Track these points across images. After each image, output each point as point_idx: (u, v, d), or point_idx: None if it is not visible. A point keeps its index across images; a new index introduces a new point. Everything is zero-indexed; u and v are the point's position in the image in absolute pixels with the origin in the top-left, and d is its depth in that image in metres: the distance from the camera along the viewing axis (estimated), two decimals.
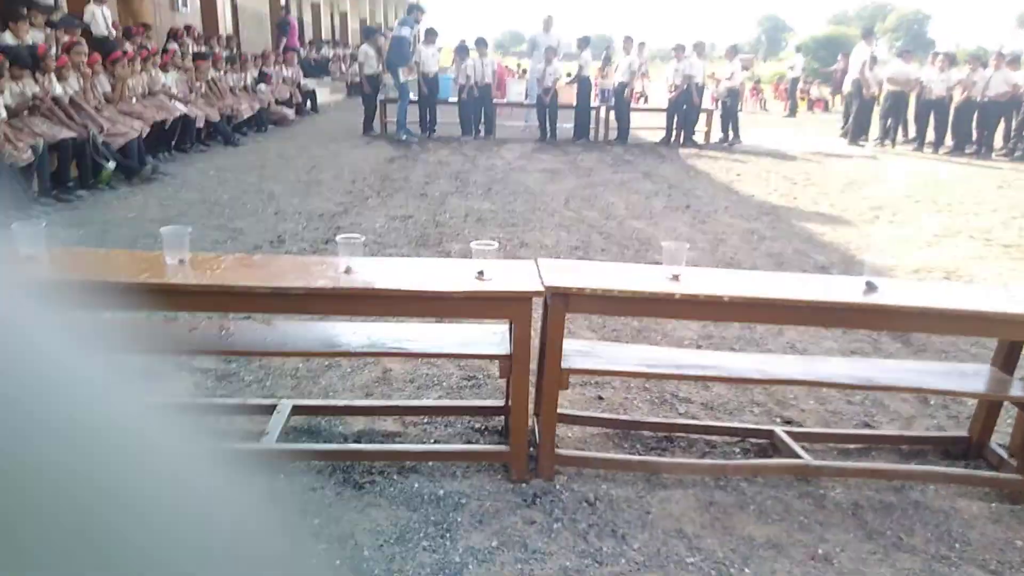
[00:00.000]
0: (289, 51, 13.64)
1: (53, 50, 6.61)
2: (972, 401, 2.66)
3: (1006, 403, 2.51)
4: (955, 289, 3.11)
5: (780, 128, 15.20)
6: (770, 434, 2.59)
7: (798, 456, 2.41)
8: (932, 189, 8.18)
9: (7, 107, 5.71)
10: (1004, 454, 2.44)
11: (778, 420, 2.79)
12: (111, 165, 6.29)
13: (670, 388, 2.99)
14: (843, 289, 2.33)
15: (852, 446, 2.62)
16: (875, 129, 12.56)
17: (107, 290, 2.11)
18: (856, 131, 13.41)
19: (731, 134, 11.80)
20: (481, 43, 11.15)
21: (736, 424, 2.72)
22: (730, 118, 11.85)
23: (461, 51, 11.02)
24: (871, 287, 2.30)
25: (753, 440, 2.62)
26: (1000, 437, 2.58)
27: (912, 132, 12.54)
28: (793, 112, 19.31)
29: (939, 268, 4.99)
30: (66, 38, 7.45)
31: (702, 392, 2.99)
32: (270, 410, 2.54)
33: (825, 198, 7.43)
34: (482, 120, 11.12)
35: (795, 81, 19.23)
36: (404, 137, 10.19)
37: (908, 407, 2.94)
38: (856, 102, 13.36)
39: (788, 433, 2.57)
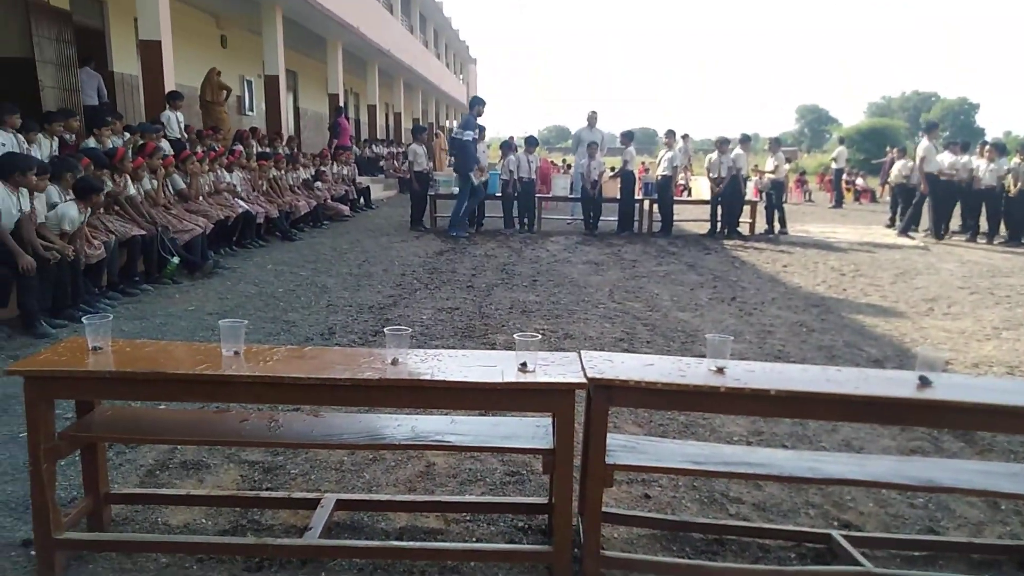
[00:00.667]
0: (342, 150, 14.32)
1: (129, 153, 7.07)
2: None
3: None
4: (1015, 384, 2.98)
5: (826, 219, 15.14)
6: (827, 538, 2.47)
7: (859, 563, 2.29)
8: (988, 280, 7.97)
9: None
10: None
11: (836, 523, 2.66)
12: (176, 260, 6.60)
13: (720, 487, 2.90)
14: (895, 384, 2.27)
15: (917, 553, 2.48)
16: (925, 220, 12.41)
17: (167, 381, 2.19)
18: (906, 222, 13.29)
19: (776, 226, 11.81)
20: (531, 141, 11.58)
21: (791, 527, 2.61)
22: (775, 210, 11.88)
23: (506, 147, 11.44)
24: (925, 382, 2.24)
25: (809, 544, 2.50)
26: None
27: (963, 223, 12.36)
28: (839, 203, 19.20)
29: (1001, 362, 4.80)
30: (142, 141, 8.00)
31: (754, 492, 2.89)
32: (314, 504, 2.54)
33: (876, 289, 7.30)
34: (524, 214, 11.39)
35: (839, 172, 19.19)
36: (455, 234, 10.47)
37: (976, 512, 2.78)
38: (905, 193, 13.30)
39: (847, 538, 2.45)
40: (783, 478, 2.36)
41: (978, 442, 3.44)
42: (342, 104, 17.21)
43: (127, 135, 8.15)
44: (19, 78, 9.57)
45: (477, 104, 10.81)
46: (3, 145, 6.29)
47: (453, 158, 10.93)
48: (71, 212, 5.39)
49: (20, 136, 6.64)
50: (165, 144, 8.32)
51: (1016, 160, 11.66)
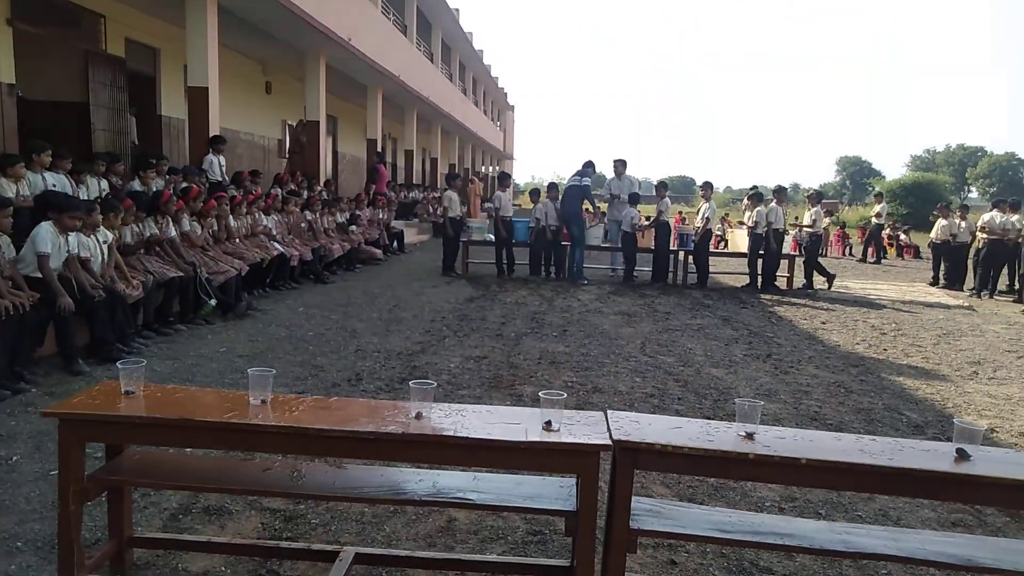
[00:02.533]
0: (379, 196, 14.60)
1: (174, 197, 7.29)
2: None
3: None
4: None
5: (867, 275, 14.89)
6: None
7: None
8: None
9: (126, 245, 6.28)
10: None
11: None
12: (212, 303, 6.72)
13: (749, 555, 2.81)
14: (932, 457, 2.19)
15: None
16: (970, 279, 12.14)
17: (194, 428, 2.22)
18: (950, 280, 13.02)
19: (814, 281, 11.65)
20: (552, 187, 11.68)
21: None
22: (813, 265, 11.73)
23: (535, 195, 11.55)
24: (963, 455, 2.16)
25: None
26: None
27: (1011, 283, 12.06)
28: (879, 259, 18.86)
29: None
30: (184, 184, 8.25)
31: (785, 561, 2.79)
32: (333, 556, 2.52)
33: (918, 350, 7.11)
34: (552, 261, 11.42)
35: (879, 228, 18.83)
36: (584, 282, 10.81)
37: None
38: (948, 252, 13.07)
39: None
40: (814, 550, 2.27)
41: None
42: (380, 150, 17.59)
43: (169, 176, 8.42)
44: (73, 120, 10.00)
45: (589, 166, 11.46)
46: (54, 186, 6.54)
47: (560, 203, 11.20)
48: (41, 233, 5.09)
49: (70, 177, 6.91)
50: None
51: None
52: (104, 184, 7.49)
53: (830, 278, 11.64)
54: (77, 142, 9.23)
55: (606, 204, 12.28)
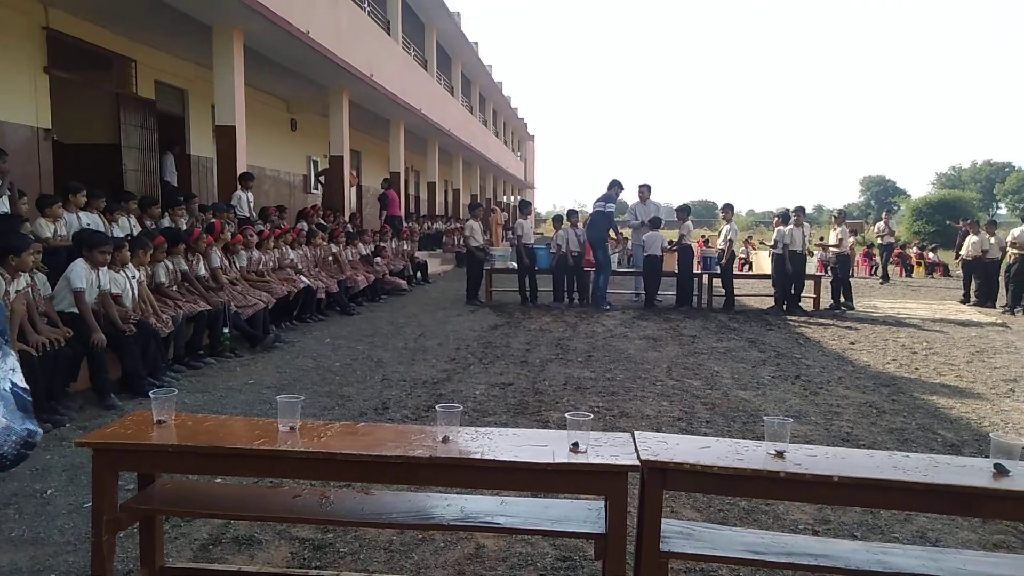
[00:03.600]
0: (392, 219, 14.79)
1: (204, 234, 7.44)
2: None
3: None
4: None
5: (895, 294, 14.67)
6: None
7: None
8: None
9: (159, 283, 6.41)
10: None
11: None
12: (226, 331, 6.78)
13: None
14: (968, 473, 2.15)
15: None
16: (1002, 296, 11.91)
17: (224, 456, 2.24)
18: (982, 297, 12.78)
19: (842, 300, 11.51)
20: (572, 214, 11.72)
21: None
22: (840, 284, 11.60)
23: (558, 222, 11.59)
24: (1002, 470, 2.11)
25: None
26: None
27: None
28: (885, 278, 18.29)
29: None
30: (213, 219, 8.42)
31: None
32: None
33: (951, 369, 6.97)
34: (575, 288, 11.41)
35: (889, 247, 18.26)
36: (607, 308, 10.78)
37: None
38: (979, 269, 12.84)
39: None
40: (850, 571, 2.22)
41: None
42: (390, 175, 17.80)
43: (200, 213, 8.60)
44: (106, 162, 10.28)
45: (615, 186, 11.35)
46: (88, 224, 6.71)
47: (586, 229, 11.28)
48: (76, 270, 5.25)
49: (103, 217, 7.09)
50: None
51: None
52: (135, 223, 7.67)
53: (849, 302, 11.51)
54: (109, 183, 9.48)
55: (630, 230, 12.29)
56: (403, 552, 2.92)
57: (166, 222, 7.91)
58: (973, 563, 2.27)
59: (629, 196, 12.27)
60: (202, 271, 7.17)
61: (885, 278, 18.15)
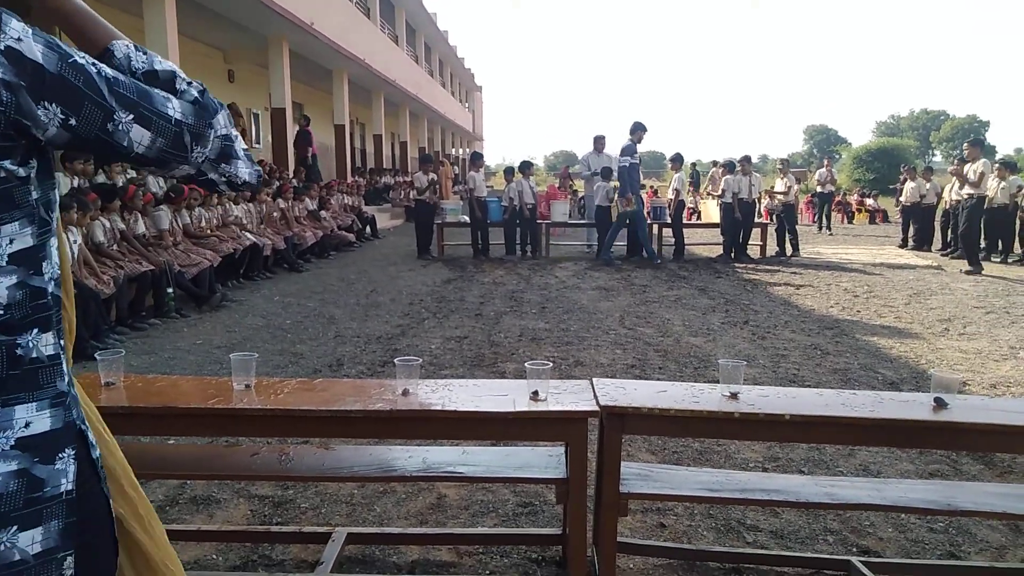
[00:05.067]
0: (307, 162, 13.86)
1: (140, 191, 7.15)
2: None
3: None
4: None
5: (838, 241, 15.09)
6: (846, 565, 2.43)
7: None
8: (1004, 299, 7.91)
9: (98, 243, 6.16)
10: None
11: (854, 550, 2.61)
12: (170, 291, 6.59)
13: (736, 515, 2.86)
14: (911, 407, 2.24)
15: None
16: (938, 239, 12.37)
17: (179, 416, 2.19)
18: (919, 242, 13.26)
19: (788, 248, 11.80)
20: (525, 166, 11.65)
21: (809, 554, 2.56)
22: (788, 232, 11.87)
23: (509, 174, 11.51)
24: (941, 403, 2.21)
25: (828, 572, 2.45)
26: None
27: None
28: (828, 228, 17.62)
29: (1018, 383, 4.74)
30: (151, 178, 8.10)
31: (771, 519, 2.84)
32: (325, 538, 2.52)
33: (890, 311, 7.25)
34: (528, 240, 11.41)
35: (830, 195, 17.33)
36: (605, 259, 10.50)
37: (998, 535, 2.72)
38: (917, 214, 13.29)
39: (866, 564, 2.40)
40: (800, 504, 2.32)
41: (997, 464, 3.38)
42: (335, 128, 17.30)
43: (133, 172, 8.23)
44: None
45: (638, 130, 10.50)
46: None
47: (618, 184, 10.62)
48: None
49: None
50: (151, 181, 8.35)
51: None
52: (65, 179, 7.32)
53: (796, 247, 11.81)
54: None
55: (582, 181, 12.27)
56: (365, 505, 2.93)
57: (101, 179, 7.57)
58: (912, 491, 2.39)
59: (586, 147, 12.12)
60: (141, 229, 6.92)
61: (828, 228, 17.39)
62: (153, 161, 1.02)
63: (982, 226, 11.88)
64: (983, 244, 11.98)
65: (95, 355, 2.40)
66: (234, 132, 1.09)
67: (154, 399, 2.26)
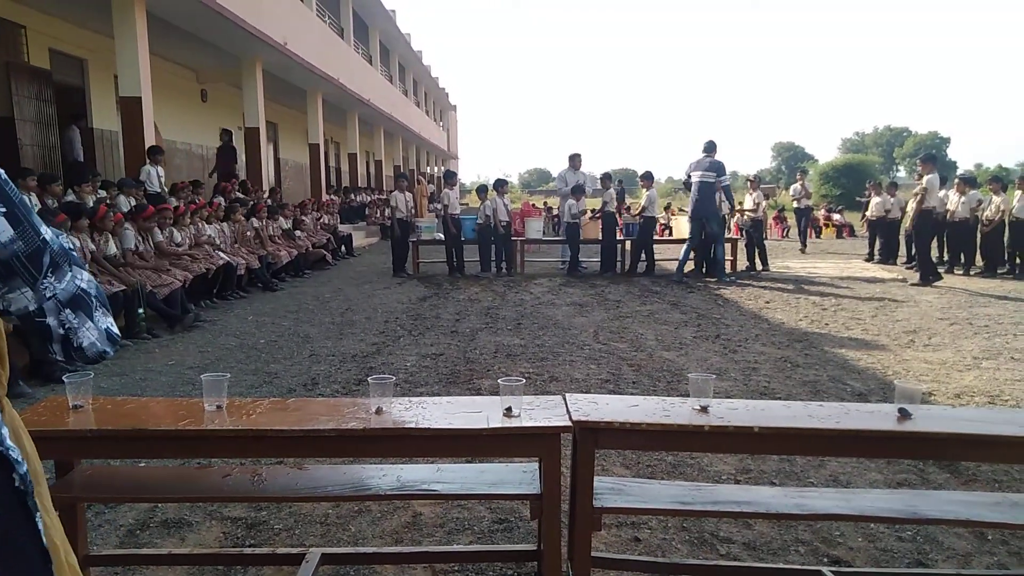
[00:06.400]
0: (229, 177, 13.13)
1: (111, 211, 7.07)
2: None
3: None
4: (993, 414, 3.02)
5: (806, 255, 15.33)
6: (818, 575, 2.46)
7: None
8: (967, 311, 8.09)
9: None
10: None
11: (825, 560, 2.66)
12: (141, 311, 6.52)
13: (709, 527, 2.89)
14: (876, 418, 2.30)
15: None
16: (903, 254, 12.62)
17: (149, 438, 2.17)
18: (884, 255, 13.52)
19: (758, 263, 11.97)
20: (499, 184, 11.73)
21: (781, 565, 2.59)
22: (755, 247, 12.05)
23: (482, 192, 11.58)
24: (905, 414, 2.27)
25: None
26: None
27: (940, 255, 12.59)
28: (803, 245, 16.74)
29: (981, 392, 4.85)
30: (120, 197, 8.02)
31: (743, 531, 2.88)
32: (299, 559, 2.50)
33: (858, 323, 7.38)
34: (503, 257, 11.45)
35: (806, 210, 16.74)
36: (732, 279, 10.56)
37: (964, 543, 2.78)
38: (882, 228, 13.56)
39: (836, 574, 2.44)
40: (770, 515, 2.36)
41: (963, 473, 3.46)
42: (310, 147, 17.28)
43: (103, 192, 8.14)
44: None
45: (711, 150, 10.61)
46: None
47: (695, 201, 10.56)
48: None
49: None
50: (122, 200, 8.27)
51: (989, 193, 11.97)
52: (35, 201, 7.22)
53: (765, 262, 11.98)
54: (4, 159, 8.88)
55: (557, 200, 12.36)
56: (340, 525, 2.91)
57: (71, 198, 7.47)
58: (880, 500, 2.44)
59: (561, 164, 12.26)
60: (112, 250, 6.84)
61: (803, 244, 16.30)
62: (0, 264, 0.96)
63: (944, 239, 12.18)
64: (946, 257, 12.29)
65: (63, 378, 2.37)
66: (105, 315, 1.02)
67: (124, 421, 2.24)
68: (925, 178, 10.35)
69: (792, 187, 16.47)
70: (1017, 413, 2.81)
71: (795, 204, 16.30)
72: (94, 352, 1.06)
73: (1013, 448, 2.19)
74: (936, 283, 10.22)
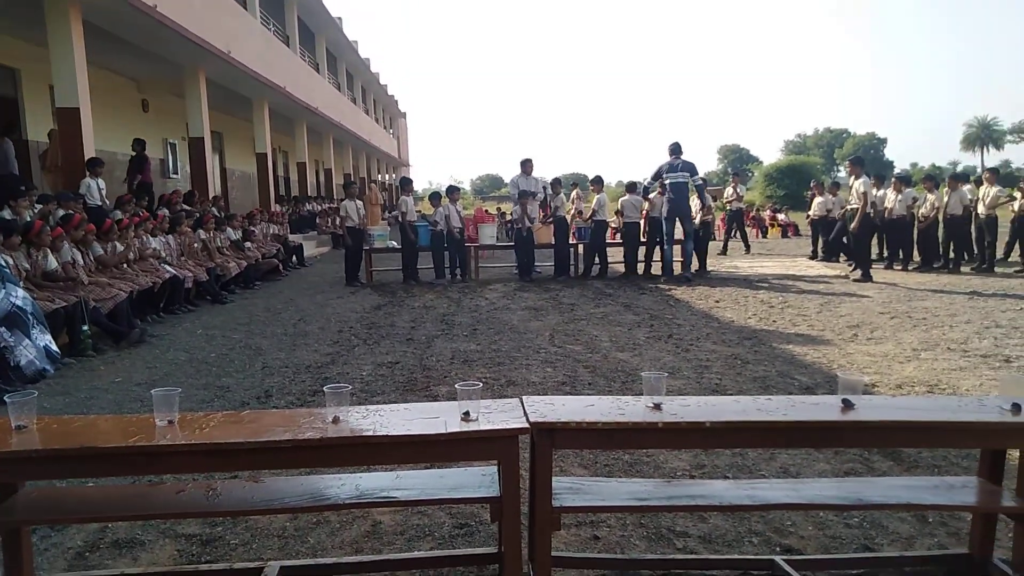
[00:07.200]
0: (145, 186, 11.98)
1: (48, 226, 6.85)
2: (970, 516, 2.64)
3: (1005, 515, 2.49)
4: (930, 402, 3.16)
5: (753, 255, 15.70)
6: (771, 564, 2.54)
7: None
8: (906, 305, 8.40)
9: None
10: (1008, 570, 2.40)
11: (778, 549, 2.73)
12: (85, 328, 6.33)
13: (666, 522, 2.95)
14: (821, 409, 2.38)
15: (855, 571, 2.57)
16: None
17: (98, 457, 2.12)
18: (828, 253, 13.95)
19: (708, 263, 12.21)
20: (451, 190, 11.74)
21: (735, 556, 2.66)
22: (702, 249, 12.28)
23: (435, 198, 11.57)
24: (848, 404, 2.36)
25: (754, 572, 2.56)
26: (1004, 551, 2.55)
27: (879, 252, 13.07)
28: (746, 246, 16.66)
29: (921, 382, 5.05)
30: (61, 212, 7.77)
31: (699, 524, 2.94)
32: (258, 573, 2.47)
33: (803, 319, 7.60)
34: (457, 264, 11.46)
35: (738, 212, 16.74)
36: (689, 277, 10.89)
37: (907, 527, 2.90)
38: (825, 226, 13.99)
39: (788, 562, 2.52)
40: (723, 507, 2.42)
41: (905, 460, 3.60)
42: (257, 156, 17.02)
43: (40, 206, 7.87)
44: None
45: (675, 152, 10.99)
46: None
47: (671, 201, 10.86)
48: None
49: None
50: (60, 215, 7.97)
51: (924, 191, 12.46)
52: None
53: (703, 267, 12.17)
54: None
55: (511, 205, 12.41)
56: (297, 537, 2.88)
57: (7, 215, 7.22)
58: (827, 489, 2.54)
59: (513, 170, 12.32)
60: (51, 265, 6.62)
61: (745, 246, 16.35)
62: None
63: (883, 236, 12.63)
64: (885, 254, 12.75)
65: (4, 398, 2.30)
66: (43, 332, 1.01)
67: (71, 440, 2.18)
68: (859, 181, 10.75)
69: (726, 190, 16.67)
70: (951, 400, 2.95)
71: (727, 206, 16.47)
72: (32, 370, 1.05)
73: (947, 433, 2.30)
74: (872, 280, 10.61)
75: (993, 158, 73.54)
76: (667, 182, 10.85)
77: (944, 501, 2.36)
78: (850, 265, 12.62)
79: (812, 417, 2.31)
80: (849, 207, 11.30)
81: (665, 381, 2.42)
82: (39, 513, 2.36)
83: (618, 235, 18.41)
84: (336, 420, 2.29)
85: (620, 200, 11.97)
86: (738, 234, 16.38)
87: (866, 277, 10.65)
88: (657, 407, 2.36)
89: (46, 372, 1.18)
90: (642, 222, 11.74)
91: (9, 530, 2.36)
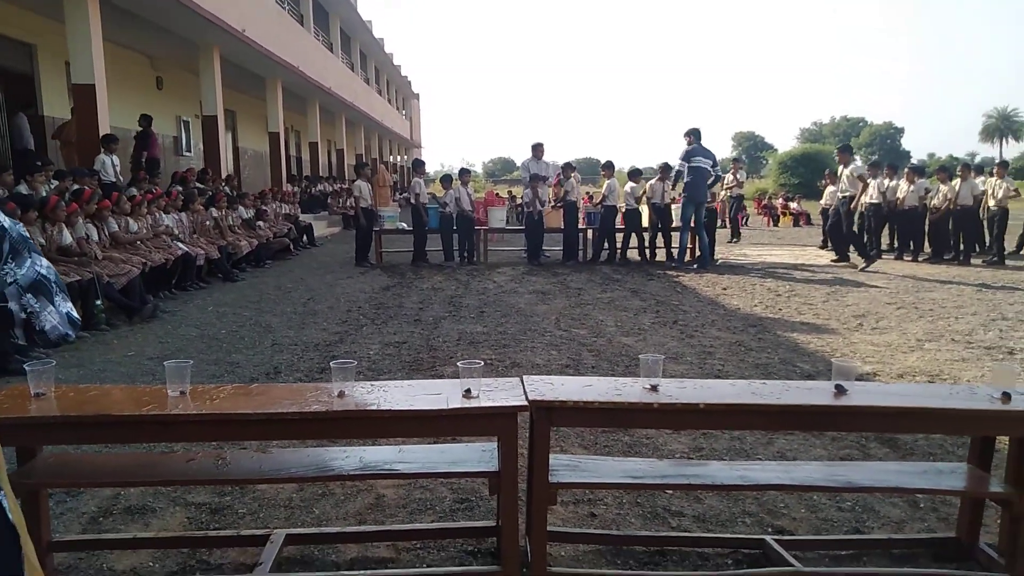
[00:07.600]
0: (153, 162, 11.72)
1: (63, 202, 6.95)
2: (959, 501, 2.70)
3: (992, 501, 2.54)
4: (922, 389, 3.20)
5: (763, 243, 15.66)
6: (762, 543, 2.60)
7: (789, 564, 2.43)
8: (914, 296, 8.40)
9: None
10: (993, 554, 2.46)
11: (769, 529, 2.80)
12: (99, 302, 6.44)
13: (662, 502, 3.02)
14: (814, 393, 2.44)
15: (844, 552, 2.63)
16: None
17: (113, 424, 2.21)
18: (838, 253, 13.89)
19: (698, 254, 12.17)
20: (463, 172, 11.77)
21: (728, 535, 2.73)
22: (710, 237, 12.26)
23: (446, 180, 11.61)
24: (841, 390, 2.41)
25: (745, 551, 2.63)
26: (990, 537, 2.61)
27: (891, 242, 13.00)
28: (736, 235, 16.53)
29: (923, 372, 5.08)
30: (75, 187, 7.87)
31: (694, 504, 3.01)
32: (263, 540, 2.56)
33: (809, 308, 7.63)
34: (466, 246, 11.51)
35: (738, 199, 17.00)
36: (717, 261, 11.10)
37: (898, 511, 2.96)
38: (834, 217, 13.93)
39: (779, 542, 2.58)
40: (716, 487, 2.49)
41: (901, 447, 3.65)
42: (270, 136, 17.08)
43: (56, 182, 7.98)
44: None
45: (692, 135, 10.88)
46: None
47: (683, 187, 10.79)
48: None
49: None
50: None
51: (937, 182, 12.39)
52: None
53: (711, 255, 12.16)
54: None
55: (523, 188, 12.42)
56: (303, 507, 2.97)
57: (23, 190, 7.32)
58: (817, 471, 2.60)
59: (524, 154, 12.35)
60: (66, 241, 6.73)
61: (735, 235, 16.04)
62: None
63: (894, 226, 12.58)
64: (895, 244, 12.70)
65: (24, 366, 2.39)
66: (65, 300, 1.06)
67: (87, 408, 2.27)
68: (850, 168, 10.82)
69: (726, 176, 16.42)
70: (943, 388, 2.99)
71: (726, 192, 16.29)
72: (56, 335, 1.12)
73: (938, 420, 2.35)
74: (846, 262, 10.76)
75: (1012, 149, 72.65)
76: (693, 166, 10.77)
77: (932, 486, 2.42)
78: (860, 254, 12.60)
79: (805, 401, 2.37)
80: (841, 195, 11.27)
81: (662, 363, 2.48)
82: (56, 477, 2.46)
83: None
84: (342, 394, 2.36)
85: (627, 185, 11.97)
86: (731, 220, 16.38)
87: (843, 258, 10.74)
88: (654, 388, 2.42)
89: (68, 337, 1.27)
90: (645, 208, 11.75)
91: (28, 492, 2.46)
